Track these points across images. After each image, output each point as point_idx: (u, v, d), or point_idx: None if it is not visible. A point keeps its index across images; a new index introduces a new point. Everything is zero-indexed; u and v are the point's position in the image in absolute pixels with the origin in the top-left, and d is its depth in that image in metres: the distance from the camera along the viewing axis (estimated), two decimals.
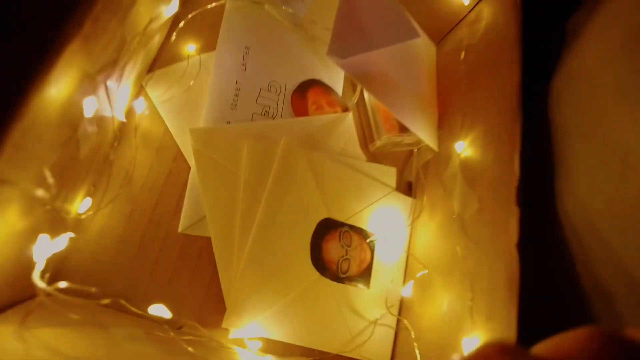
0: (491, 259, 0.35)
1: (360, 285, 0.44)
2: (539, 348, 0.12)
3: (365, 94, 0.51)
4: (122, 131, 0.43)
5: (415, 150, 0.51)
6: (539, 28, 0.41)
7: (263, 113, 0.47)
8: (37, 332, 0.26)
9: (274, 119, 0.47)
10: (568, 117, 0.37)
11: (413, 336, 0.40)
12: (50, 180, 0.26)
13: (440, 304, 0.39)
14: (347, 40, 0.41)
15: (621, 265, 0.30)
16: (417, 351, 0.38)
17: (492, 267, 0.35)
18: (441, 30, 0.52)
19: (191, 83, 0.46)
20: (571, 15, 0.41)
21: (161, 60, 0.47)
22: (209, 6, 0.46)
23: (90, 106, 0.31)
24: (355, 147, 0.50)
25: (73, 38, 0.25)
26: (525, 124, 0.38)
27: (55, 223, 0.33)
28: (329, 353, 0.41)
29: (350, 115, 0.50)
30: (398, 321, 0.44)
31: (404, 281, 0.46)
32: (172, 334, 0.33)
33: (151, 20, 0.38)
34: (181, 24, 0.45)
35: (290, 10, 0.49)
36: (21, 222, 0.28)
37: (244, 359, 0.38)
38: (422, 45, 0.51)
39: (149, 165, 0.43)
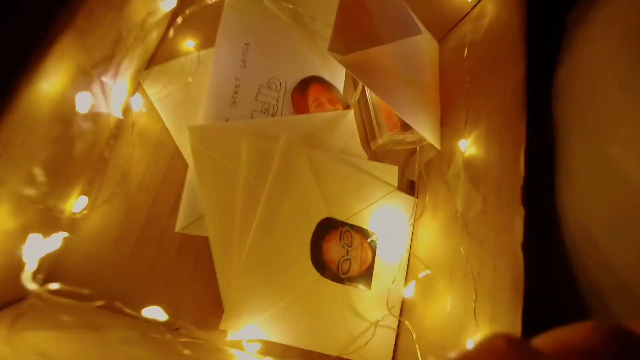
0: (495, 260, 0.35)
1: (361, 286, 0.44)
2: (542, 340, 0.12)
3: (367, 91, 0.50)
4: (119, 128, 0.42)
5: (418, 148, 0.50)
6: (542, 24, 0.41)
7: (263, 110, 0.46)
8: (27, 335, 0.25)
9: (273, 116, 0.46)
10: (569, 113, 0.36)
11: (415, 338, 0.39)
12: (41, 177, 0.25)
13: (443, 305, 0.38)
14: (349, 36, 0.40)
15: (617, 266, 0.30)
16: (418, 353, 0.38)
17: (496, 267, 0.35)
18: (444, 26, 0.52)
19: (189, 80, 0.45)
20: (571, 10, 0.41)
21: (159, 57, 0.46)
22: (208, 2, 0.45)
23: (83, 102, 0.30)
24: (356, 145, 0.49)
25: (66, 31, 0.24)
26: (528, 121, 0.37)
27: (48, 222, 0.32)
28: (329, 355, 0.41)
29: (351, 113, 0.49)
30: (399, 322, 0.44)
31: (406, 282, 0.45)
32: (168, 336, 0.32)
33: (148, 15, 0.37)
34: (179, 20, 0.44)
35: (290, 6, 0.49)
36: (11, 221, 0.27)
37: None
38: (425, 42, 0.51)
39: (145, 164, 0.42)
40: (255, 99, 0.46)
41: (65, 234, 0.30)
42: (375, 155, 0.50)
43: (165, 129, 0.44)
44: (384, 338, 0.43)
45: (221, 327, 0.38)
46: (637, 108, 0.28)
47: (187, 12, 0.44)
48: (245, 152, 0.42)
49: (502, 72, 0.41)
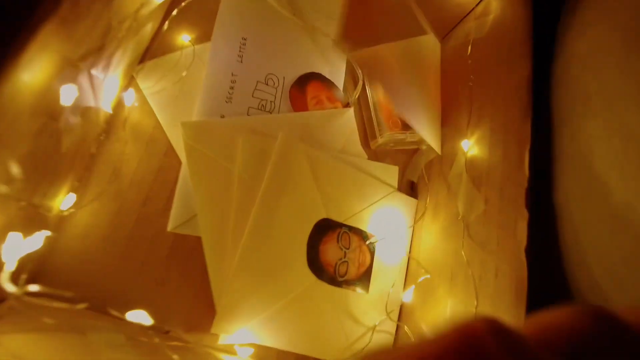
0: (497, 264, 0.34)
1: (359, 290, 0.42)
2: (525, 324, 0.12)
3: (368, 89, 0.49)
4: (110, 124, 0.41)
5: (424, 147, 0.49)
6: (545, 22, 0.40)
7: (260, 107, 0.45)
8: (5, 339, 0.23)
9: (271, 113, 0.45)
10: (565, 104, 0.36)
11: None
12: (17, 172, 0.24)
13: (443, 310, 0.37)
14: (356, 32, 0.39)
15: (614, 265, 0.29)
16: None
17: (498, 271, 0.34)
18: (447, 23, 0.50)
19: (183, 74, 0.43)
20: (565, 1, 0.40)
21: (153, 51, 0.44)
22: None
23: (68, 94, 0.28)
24: (356, 144, 0.48)
25: (48, 18, 0.23)
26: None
27: (33, 220, 0.31)
28: None
29: (351, 111, 0.48)
30: (398, 327, 0.42)
31: (405, 285, 0.44)
32: (156, 339, 0.31)
33: (141, 6, 0.36)
34: (174, 13, 0.43)
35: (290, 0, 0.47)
36: None
37: None
38: (428, 42, 0.50)
39: (137, 160, 0.41)
40: (252, 96, 0.45)
41: (48, 233, 0.29)
42: (375, 155, 0.48)
43: (158, 125, 0.42)
44: (382, 343, 0.42)
45: (213, 330, 0.36)
46: (636, 92, 0.28)
47: (183, 4, 0.43)
48: (240, 149, 0.40)
49: (506, 70, 0.40)
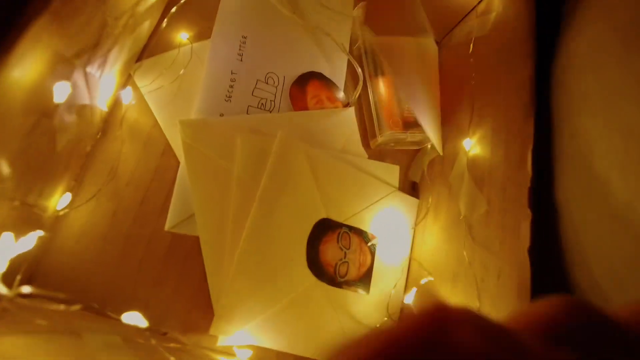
0: (500, 265, 0.34)
1: (360, 291, 0.42)
2: (512, 315, 0.12)
3: (369, 88, 0.49)
4: (107, 123, 0.40)
5: (428, 146, 0.48)
6: (545, 22, 0.39)
7: (259, 106, 0.44)
8: None
9: (271, 112, 0.45)
10: (565, 103, 0.35)
11: None
12: (7, 171, 0.23)
13: None
14: (377, 21, 0.40)
15: (614, 265, 0.29)
16: None
17: (501, 273, 0.34)
18: (449, 21, 0.50)
19: (181, 72, 0.43)
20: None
21: (151, 49, 0.44)
22: None
23: (61, 92, 0.28)
24: (356, 144, 0.47)
25: (40, 13, 0.22)
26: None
27: (27, 220, 0.30)
28: None
29: (352, 111, 0.47)
30: None
31: (406, 286, 0.44)
32: (153, 341, 0.30)
33: (137, 2, 0.35)
34: (173, 10, 0.43)
35: None
36: None
37: None
38: (431, 44, 0.49)
39: (135, 160, 0.40)
40: (252, 94, 0.44)
41: (41, 233, 0.28)
42: (376, 155, 0.48)
43: (156, 123, 0.42)
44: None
45: (211, 331, 0.36)
46: (636, 90, 0.27)
47: (181, 1, 0.43)
48: (239, 148, 0.40)
49: (508, 69, 0.40)
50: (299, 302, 0.39)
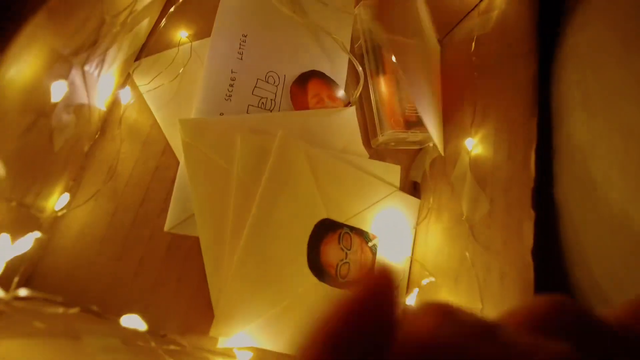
0: (503, 266, 0.33)
1: None
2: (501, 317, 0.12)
3: (370, 87, 0.48)
4: (106, 122, 0.40)
5: (430, 145, 0.48)
6: (546, 21, 0.39)
7: (260, 105, 0.44)
8: None
9: (271, 111, 0.44)
10: (565, 101, 0.35)
11: None
12: (2, 171, 0.23)
13: None
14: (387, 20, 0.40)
15: (614, 265, 0.29)
16: None
17: (504, 274, 0.33)
18: (451, 19, 0.50)
19: (180, 71, 0.43)
20: None
21: (150, 47, 0.44)
22: None
23: (58, 91, 0.27)
24: (357, 144, 0.47)
25: (37, 10, 0.22)
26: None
27: (24, 221, 0.30)
28: None
29: (353, 110, 0.47)
30: None
31: (408, 287, 0.43)
32: (152, 343, 0.30)
33: (136, 0, 0.34)
34: (172, 8, 0.42)
35: None
36: None
37: None
38: (431, 44, 0.49)
39: (134, 160, 0.40)
40: (252, 93, 0.44)
41: (38, 234, 0.28)
42: (377, 155, 0.48)
43: (155, 123, 0.42)
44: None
45: (211, 333, 0.35)
46: (636, 90, 0.27)
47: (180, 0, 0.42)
48: (239, 147, 0.39)
49: (511, 68, 0.40)
50: (299, 304, 0.39)
